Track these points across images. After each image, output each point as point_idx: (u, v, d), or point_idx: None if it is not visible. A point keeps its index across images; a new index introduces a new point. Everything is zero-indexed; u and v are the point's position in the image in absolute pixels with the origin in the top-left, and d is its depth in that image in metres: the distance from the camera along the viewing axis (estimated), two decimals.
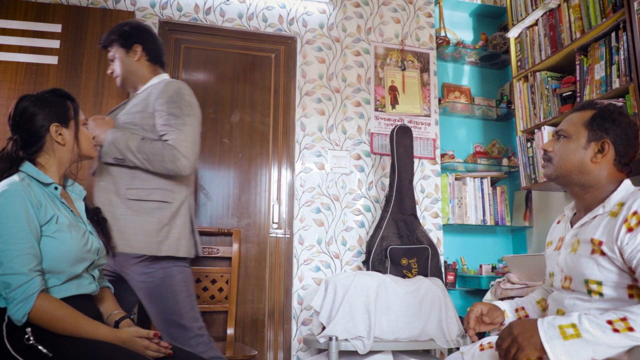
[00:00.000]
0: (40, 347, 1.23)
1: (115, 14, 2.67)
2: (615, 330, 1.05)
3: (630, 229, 1.14)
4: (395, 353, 2.30)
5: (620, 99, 2.15)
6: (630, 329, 1.04)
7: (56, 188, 1.41)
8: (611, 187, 1.29)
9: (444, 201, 3.07)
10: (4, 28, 2.52)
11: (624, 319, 1.06)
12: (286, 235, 2.82)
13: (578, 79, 2.38)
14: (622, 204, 1.21)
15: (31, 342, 1.23)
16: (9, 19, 2.53)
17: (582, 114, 1.34)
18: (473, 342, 1.44)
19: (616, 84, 2.15)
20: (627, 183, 1.29)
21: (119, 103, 2.58)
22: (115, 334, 1.34)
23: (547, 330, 1.10)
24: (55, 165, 1.45)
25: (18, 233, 1.25)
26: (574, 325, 1.08)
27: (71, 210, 1.45)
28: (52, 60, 2.55)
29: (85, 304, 1.40)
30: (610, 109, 1.32)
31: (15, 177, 1.34)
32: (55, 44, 2.57)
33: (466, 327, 1.43)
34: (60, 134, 1.44)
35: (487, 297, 2.57)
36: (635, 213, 1.15)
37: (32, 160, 1.42)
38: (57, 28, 2.59)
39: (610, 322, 1.06)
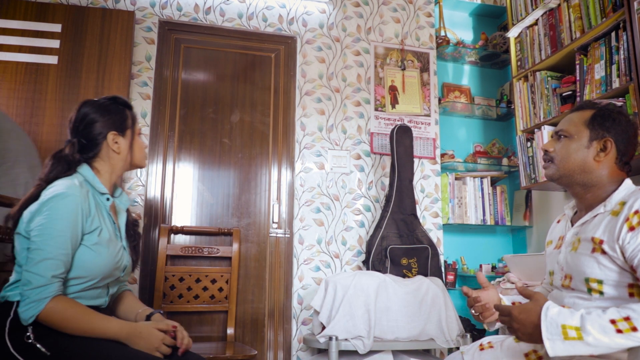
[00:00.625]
0: (39, 346, 1.24)
1: (115, 13, 2.67)
2: (619, 331, 1.04)
3: (631, 228, 1.14)
4: (395, 353, 2.30)
5: (620, 98, 2.15)
6: (634, 329, 1.03)
7: (108, 199, 1.44)
8: (612, 186, 1.29)
9: (444, 201, 3.07)
10: (4, 28, 2.52)
11: (627, 319, 1.05)
12: (286, 235, 2.82)
13: (578, 78, 2.38)
14: (623, 203, 1.21)
15: (31, 340, 1.24)
16: (9, 18, 2.53)
17: (582, 113, 1.34)
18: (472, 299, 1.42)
19: (616, 84, 2.15)
20: (628, 182, 1.29)
21: None
22: (131, 326, 1.32)
23: (549, 326, 1.09)
24: (108, 172, 1.48)
25: (59, 237, 1.27)
26: (577, 329, 1.07)
27: (114, 223, 1.48)
28: (52, 60, 2.55)
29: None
30: (609, 108, 1.33)
31: (75, 181, 1.36)
32: (55, 43, 2.57)
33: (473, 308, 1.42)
34: (116, 142, 1.47)
35: None
36: (636, 212, 1.15)
37: (89, 164, 1.45)
38: (57, 28, 2.59)
39: (613, 322, 1.05)
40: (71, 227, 1.29)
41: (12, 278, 1.33)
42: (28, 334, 1.24)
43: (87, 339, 1.28)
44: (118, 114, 1.50)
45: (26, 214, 1.31)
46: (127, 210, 1.58)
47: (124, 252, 1.48)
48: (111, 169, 1.48)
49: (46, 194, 1.31)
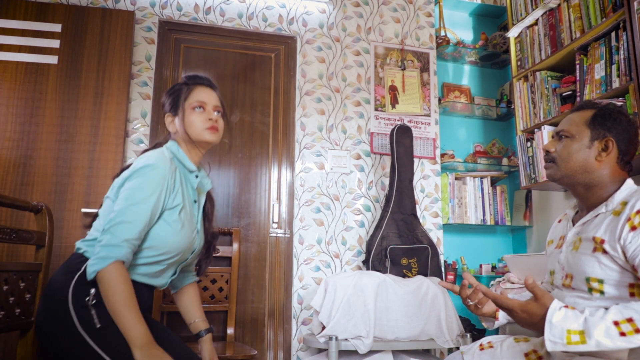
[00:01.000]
0: (93, 312, 1.25)
1: (115, 13, 2.67)
2: (622, 334, 1.03)
3: (633, 228, 1.14)
4: (395, 353, 2.30)
5: (620, 98, 2.15)
6: (637, 331, 1.02)
7: (196, 177, 1.46)
8: (614, 186, 1.28)
9: (444, 201, 3.07)
10: (4, 28, 2.52)
11: (630, 320, 1.04)
12: (286, 235, 2.82)
13: (578, 78, 2.38)
14: (625, 203, 1.21)
15: (89, 303, 1.25)
16: (9, 18, 2.53)
17: (582, 113, 1.34)
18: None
19: (616, 84, 2.15)
20: (629, 182, 1.29)
21: (118, 104, 2.59)
22: (152, 342, 1.25)
23: (553, 329, 1.08)
24: (186, 151, 1.48)
25: (141, 205, 1.30)
26: (581, 332, 1.06)
27: (195, 202, 1.49)
28: (52, 60, 2.55)
29: (143, 293, 1.40)
30: (610, 108, 1.32)
31: (165, 154, 1.40)
32: (55, 43, 2.57)
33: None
34: (172, 123, 1.49)
35: None
36: (638, 212, 1.15)
37: (177, 142, 1.49)
38: (57, 28, 2.59)
39: (616, 324, 1.04)
40: (154, 198, 1.32)
41: (91, 235, 1.37)
42: (89, 297, 1.25)
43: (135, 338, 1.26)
44: (174, 93, 1.49)
45: (118, 180, 1.37)
46: (208, 193, 1.57)
47: (198, 235, 1.48)
48: (186, 148, 1.48)
49: (138, 162, 1.35)
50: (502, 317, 1.43)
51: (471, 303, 1.38)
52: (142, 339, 1.24)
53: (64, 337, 1.25)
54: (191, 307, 1.60)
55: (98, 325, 1.25)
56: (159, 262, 1.39)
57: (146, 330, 1.26)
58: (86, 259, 1.31)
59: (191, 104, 1.47)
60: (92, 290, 1.26)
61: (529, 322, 1.14)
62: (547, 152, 1.38)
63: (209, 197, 1.59)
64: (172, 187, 1.37)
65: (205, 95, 1.49)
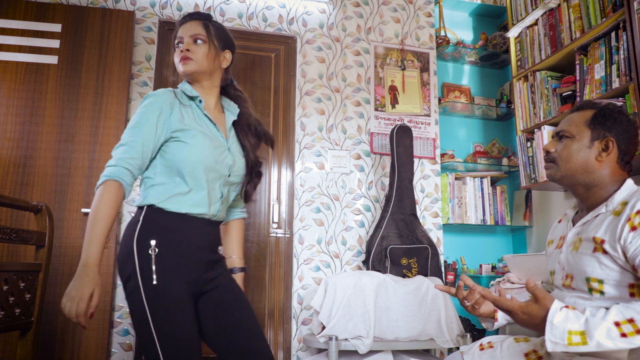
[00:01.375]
0: (153, 268, 1.32)
1: (115, 13, 2.67)
2: (623, 335, 1.03)
3: (633, 228, 1.14)
4: (395, 353, 2.31)
5: (620, 98, 2.15)
6: (639, 332, 1.02)
7: (200, 101, 1.50)
8: (614, 186, 1.28)
9: (444, 201, 3.07)
10: (3, 28, 2.52)
11: (631, 320, 1.03)
12: (286, 235, 2.82)
13: (578, 78, 2.38)
14: (625, 203, 1.20)
15: (152, 255, 1.33)
16: (9, 18, 2.53)
17: (582, 113, 1.34)
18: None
19: (616, 84, 2.15)
20: (629, 182, 1.28)
21: (118, 104, 2.59)
22: (92, 265, 1.25)
23: (554, 330, 1.08)
24: (193, 87, 1.54)
25: (136, 128, 1.37)
26: (582, 333, 1.06)
27: (214, 125, 1.50)
28: (52, 60, 2.55)
29: (201, 227, 1.43)
30: (609, 107, 1.32)
31: (169, 88, 1.50)
32: (55, 43, 2.57)
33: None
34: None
35: None
36: (638, 212, 1.15)
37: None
38: (57, 28, 2.59)
39: (617, 324, 1.04)
40: (150, 121, 1.38)
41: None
42: (150, 248, 1.33)
43: (184, 307, 1.34)
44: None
45: None
46: (240, 115, 1.58)
47: (229, 152, 1.50)
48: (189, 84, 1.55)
49: None
50: (502, 317, 1.43)
51: (468, 304, 1.38)
52: (88, 259, 1.25)
53: (128, 285, 1.34)
54: (231, 242, 1.65)
55: (154, 282, 1.30)
56: (197, 186, 1.41)
57: (97, 252, 1.27)
58: (142, 209, 1.40)
59: (174, 44, 1.54)
60: (152, 242, 1.33)
61: (530, 323, 1.13)
62: (547, 152, 1.37)
63: (254, 131, 1.61)
64: (170, 108, 1.41)
65: (183, 30, 1.51)
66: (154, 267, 1.31)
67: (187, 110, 1.45)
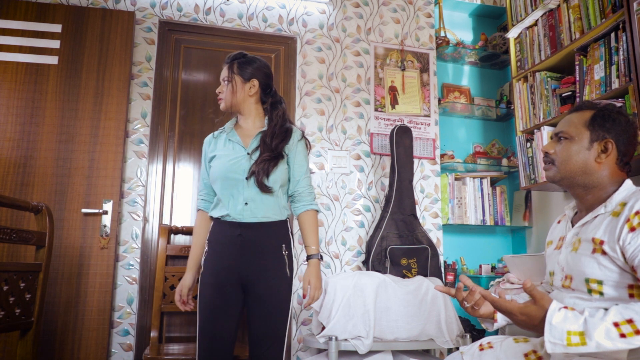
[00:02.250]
0: (201, 261, 1.87)
1: (115, 14, 2.68)
2: (622, 336, 1.02)
3: (632, 229, 1.14)
4: (394, 353, 2.31)
5: (620, 99, 2.16)
6: (637, 332, 1.02)
7: (227, 131, 1.90)
8: (613, 187, 1.28)
9: (444, 201, 3.08)
10: (4, 28, 2.52)
11: (630, 321, 1.03)
12: None
13: (577, 79, 2.38)
14: (624, 204, 1.20)
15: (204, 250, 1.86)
16: (9, 19, 2.53)
17: (581, 114, 1.34)
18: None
19: (615, 84, 2.15)
20: (628, 183, 1.28)
21: (118, 104, 2.59)
22: (186, 278, 1.88)
23: (553, 331, 1.07)
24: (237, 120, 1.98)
25: (201, 169, 1.97)
26: (581, 334, 1.05)
27: (238, 141, 1.85)
28: (52, 60, 2.56)
29: (227, 230, 1.78)
30: (609, 108, 1.32)
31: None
32: (55, 44, 2.57)
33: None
34: None
35: None
36: (637, 213, 1.15)
37: None
38: (57, 28, 2.59)
39: (616, 325, 1.04)
40: (202, 162, 1.95)
41: None
42: (205, 244, 1.87)
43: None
44: None
45: None
46: (266, 130, 1.85)
47: (245, 157, 1.80)
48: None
49: None
50: (501, 319, 1.43)
51: (467, 305, 1.38)
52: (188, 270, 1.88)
53: None
54: (303, 232, 1.88)
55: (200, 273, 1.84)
56: (223, 190, 1.80)
57: (187, 273, 1.88)
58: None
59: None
60: (206, 241, 1.87)
61: (529, 324, 1.13)
62: (546, 153, 1.37)
63: (269, 143, 1.83)
64: (208, 145, 1.92)
65: (221, 76, 1.90)
66: (202, 261, 1.84)
67: (218, 141, 1.89)
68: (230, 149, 1.84)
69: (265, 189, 1.76)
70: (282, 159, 1.82)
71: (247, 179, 1.77)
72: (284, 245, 1.80)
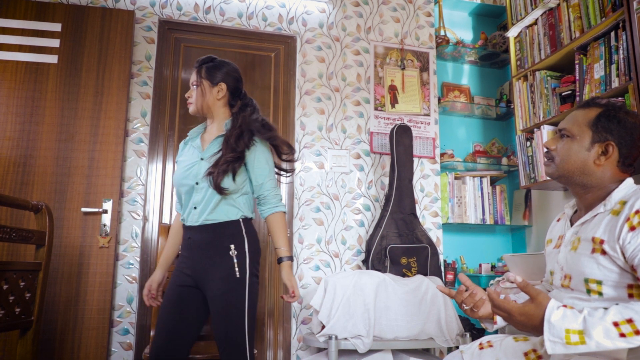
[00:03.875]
0: None
1: (115, 13, 2.67)
2: (622, 335, 1.02)
3: (632, 228, 1.13)
4: (394, 352, 2.31)
5: (620, 98, 2.16)
6: (637, 332, 1.01)
7: (187, 136, 1.94)
8: (613, 186, 1.26)
9: (444, 200, 3.08)
10: (3, 27, 2.52)
11: (630, 321, 1.03)
12: None
13: (577, 78, 2.38)
14: (624, 202, 1.19)
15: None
16: (9, 17, 2.53)
17: (587, 112, 1.31)
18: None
19: (615, 83, 2.15)
20: (629, 181, 1.26)
21: (118, 103, 2.59)
22: (156, 274, 1.94)
23: (552, 329, 1.07)
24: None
25: None
26: (580, 332, 1.05)
27: (196, 147, 1.86)
28: (52, 59, 2.55)
29: (184, 233, 1.83)
30: (615, 108, 1.29)
31: None
32: (55, 43, 2.57)
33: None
34: None
35: None
36: (637, 212, 1.13)
37: None
38: (56, 27, 2.59)
39: (616, 325, 1.03)
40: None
41: None
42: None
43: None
44: None
45: None
46: (230, 136, 1.81)
47: (200, 163, 1.79)
48: None
49: None
50: (501, 320, 1.43)
51: (466, 307, 1.38)
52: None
53: None
54: (272, 236, 1.86)
55: None
56: (179, 195, 1.88)
57: (157, 269, 1.95)
58: None
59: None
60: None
61: (528, 324, 1.12)
62: (547, 149, 1.36)
63: (227, 134, 1.83)
64: (178, 153, 1.94)
65: (190, 80, 1.91)
66: None
67: (185, 146, 1.92)
68: (190, 154, 1.86)
69: (221, 191, 1.73)
70: (243, 160, 1.80)
71: (197, 183, 1.77)
72: (232, 245, 1.74)
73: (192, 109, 1.87)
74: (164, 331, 1.75)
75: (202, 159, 1.80)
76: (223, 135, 1.83)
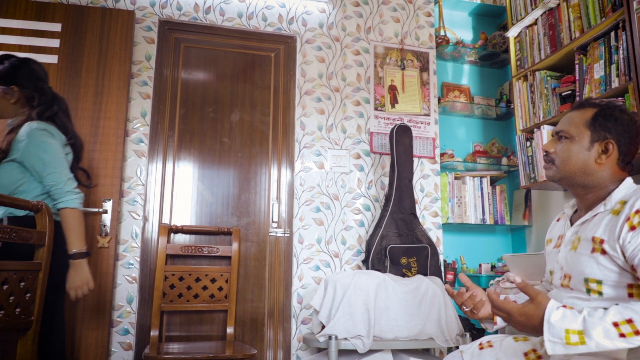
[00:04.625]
0: None
1: (115, 13, 2.67)
2: (622, 335, 1.02)
3: (632, 228, 1.13)
4: (394, 352, 2.31)
5: (620, 98, 2.16)
6: (637, 333, 1.02)
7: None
8: (613, 185, 1.27)
9: (444, 200, 3.08)
10: (3, 27, 2.52)
11: (629, 321, 1.03)
12: (286, 235, 2.82)
13: (577, 78, 2.38)
14: (624, 202, 1.19)
15: None
16: (9, 17, 2.53)
17: (583, 112, 1.31)
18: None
19: (615, 83, 2.15)
20: (629, 181, 1.26)
21: (118, 103, 2.59)
22: None
23: (551, 329, 1.07)
24: None
25: None
26: (580, 332, 1.05)
27: None
28: (52, 59, 2.55)
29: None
30: (611, 106, 1.29)
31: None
32: (55, 43, 2.57)
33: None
34: None
35: None
36: (637, 211, 1.13)
37: None
38: (56, 27, 2.59)
39: (616, 325, 1.03)
40: None
41: None
42: None
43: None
44: None
45: None
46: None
47: None
48: None
49: None
50: (500, 320, 1.43)
51: (467, 309, 1.38)
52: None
53: None
54: (67, 239, 1.79)
55: None
56: None
57: None
58: None
59: None
60: None
61: (528, 325, 1.12)
62: (546, 152, 1.36)
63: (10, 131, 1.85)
64: None
65: None
66: None
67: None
68: None
69: None
70: (5, 157, 1.77)
71: None
72: None
73: None
74: None
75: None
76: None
